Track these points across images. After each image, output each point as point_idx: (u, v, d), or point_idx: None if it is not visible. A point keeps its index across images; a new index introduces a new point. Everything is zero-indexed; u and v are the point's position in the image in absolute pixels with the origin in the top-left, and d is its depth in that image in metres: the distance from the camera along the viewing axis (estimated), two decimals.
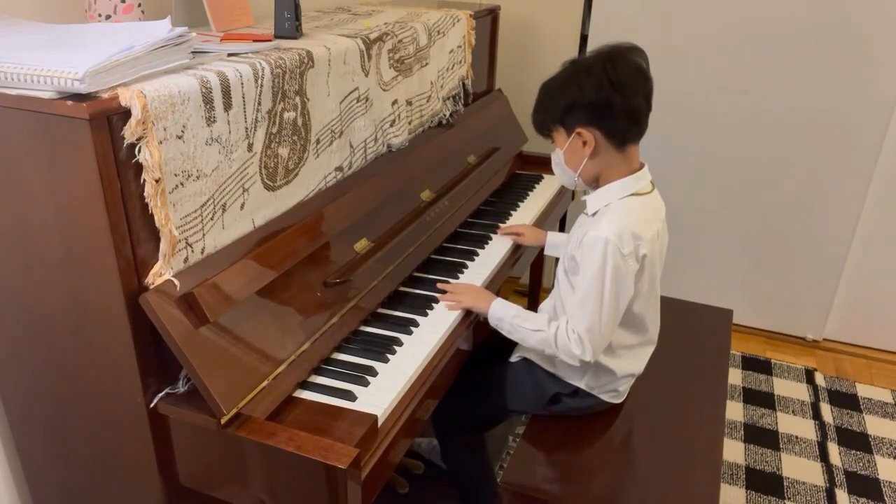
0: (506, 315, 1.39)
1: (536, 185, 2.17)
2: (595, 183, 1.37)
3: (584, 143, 1.31)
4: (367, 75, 1.48)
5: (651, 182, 1.37)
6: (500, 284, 1.64)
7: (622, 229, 1.26)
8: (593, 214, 1.36)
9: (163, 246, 1.01)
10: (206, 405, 1.02)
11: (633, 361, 1.46)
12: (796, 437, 2.14)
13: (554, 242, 1.74)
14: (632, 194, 1.32)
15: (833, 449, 2.09)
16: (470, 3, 2.27)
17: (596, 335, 1.29)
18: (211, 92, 1.05)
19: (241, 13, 1.48)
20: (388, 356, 1.28)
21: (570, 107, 1.30)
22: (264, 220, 1.23)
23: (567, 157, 1.36)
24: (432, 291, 1.50)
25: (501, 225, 1.83)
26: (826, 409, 2.27)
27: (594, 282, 1.27)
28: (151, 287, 1.01)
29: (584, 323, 1.29)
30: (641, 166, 1.35)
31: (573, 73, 1.31)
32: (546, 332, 1.33)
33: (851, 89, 2.25)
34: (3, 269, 1.11)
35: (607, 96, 1.25)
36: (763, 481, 1.96)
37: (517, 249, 1.77)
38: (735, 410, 2.25)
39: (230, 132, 1.10)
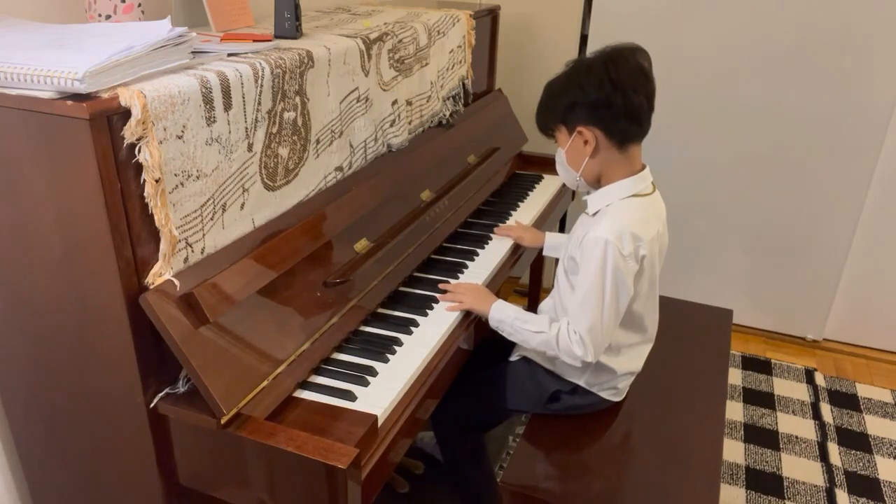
0: (506, 317, 1.39)
1: (536, 185, 2.17)
2: (597, 183, 1.37)
3: (585, 142, 1.31)
4: (367, 75, 1.48)
5: (652, 183, 1.37)
6: (500, 284, 1.64)
7: (622, 230, 1.26)
8: (594, 214, 1.36)
9: (163, 246, 1.01)
10: (206, 405, 1.02)
11: (632, 360, 1.46)
12: (796, 437, 2.14)
13: (552, 243, 1.74)
14: (633, 195, 1.32)
15: (833, 449, 2.09)
16: (470, 3, 2.27)
17: (597, 335, 1.29)
18: (211, 92, 1.05)
19: (241, 13, 1.48)
20: (388, 356, 1.28)
21: (571, 105, 1.30)
22: (264, 220, 1.23)
23: (569, 156, 1.36)
24: (432, 291, 1.50)
25: (501, 225, 1.83)
26: (826, 409, 2.27)
27: (594, 282, 1.27)
28: (151, 287, 1.01)
29: (585, 323, 1.29)
30: (643, 167, 1.35)
31: (575, 73, 1.32)
32: (547, 334, 1.33)
33: (851, 89, 2.25)
34: (3, 269, 1.11)
35: (607, 95, 1.26)
36: (763, 481, 1.96)
37: (517, 249, 1.77)
38: (735, 410, 2.25)
39: (230, 132, 1.10)
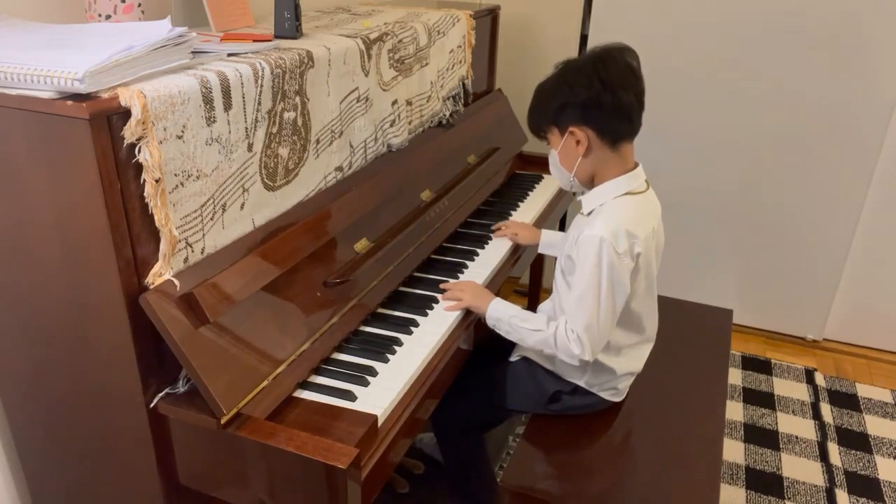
0: (504, 315, 1.39)
1: (536, 185, 2.17)
2: (591, 183, 1.37)
3: (578, 143, 1.31)
4: (367, 75, 1.48)
5: (646, 181, 1.37)
6: (501, 284, 1.64)
7: (617, 228, 1.26)
8: (588, 214, 1.36)
9: (163, 246, 1.01)
10: (206, 405, 1.02)
11: (632, 360, 1.46)
12: (796, 437, 2.14)
13: (548, 241, 1.74)
14: (626, 193, 1.33)
15: (833, 449, 2.09)
16: (470, 3, 2.27)
17: (594, 334, 1.29)
18: (211, 92, 1.05)
19: (241, 13, 1.48)
20: (388, 356, 1.28)
21: (562, 107, 1.31)
22: (264, 220, 1.23)
23: (562, 157, 1.36)
24: (432, 291, 1.50)
25: (499, 224, 1.82)
26: (826, 409, 2.27)
27: (590, 281, 1.27)
28: (151, 287, 1.01)
29: (581, 322, 1.29)
30: (636, 165, 1.36)
31: (564, 74, 1.33)
32: (545, 332, 1.33)
33: (852, 89, 2.25)
34: (2, 268, 1.11)
35: (597, 95, 1.26)
36: (763, 481, 1.96)
37: (517, 249, 1.77)
38: (735, 410, 2.25)
39: (230, 132, 1.10)
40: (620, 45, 1.31)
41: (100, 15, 1.28)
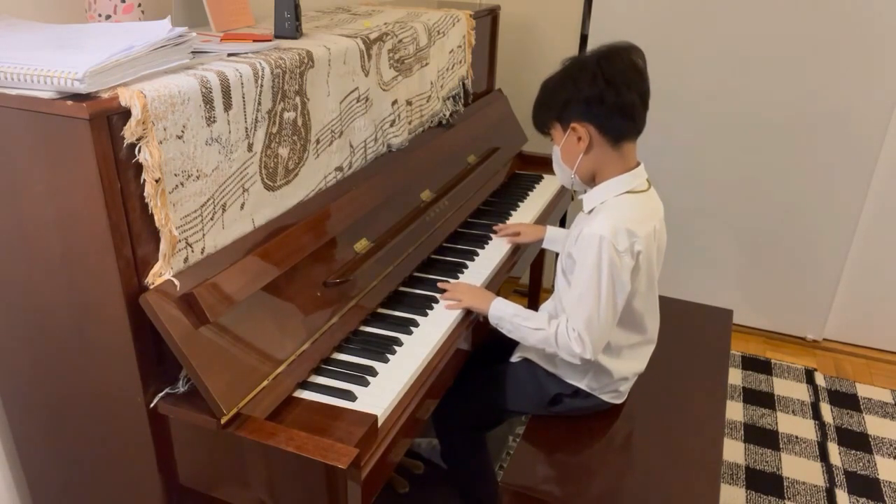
0: (505, 314, 1.39)
1: (536, 185, 2.17)
2: (592, 181, 1.37)
3: (579, 139, 1.31)
4: (367, 75, 1.48)
5: (647, 181, 1.37)
6: (500, 284, 1.64)
7: (617, 226, 1.26)
8: (589, 212, 1.36)
9: (163, 246, 1.01)
10: (206, 405, 1.02)
11: (634, 361, 1.46)
12: (796, 437, 2.14)
13: (552, 236, 1.74)
14: (627, 192, 1.33)
15: (833, 449, 2.09)
16: (470, 3, 2.27)
17: (595, 332, 1.29)
18: (211, 92, 1.05)
19: (241, 13, 1.48)
20: (388, 356, 1.28)
21: (565, 102, 1.31)
22: (264, 220, 1.23)
23: (563, 153, 1.37)
24: (432, 291, 1.50)
25: (500, 225, 1.82)
26: (826, 409, 2.27)
27: (591, 279, 1.27)
28: (151, 287, 1.01)
29: (582, 320, 1.29)
30: (637, 164, 1.36)
31: (569, 70, 1.33)
32: (546, 331, 1.33)
33: (851, 89, 2.25)
34: (3, 268, 1.11)
35: (600, 91, 1.26)
36: (763, 481, 1.96)
37: (517, 250, 1.77)
38: (735, 410, 2.25)
39: (230, 132, 1.10)
40: (627, 44, 1.31)
41: (100, 15, 1.28)
